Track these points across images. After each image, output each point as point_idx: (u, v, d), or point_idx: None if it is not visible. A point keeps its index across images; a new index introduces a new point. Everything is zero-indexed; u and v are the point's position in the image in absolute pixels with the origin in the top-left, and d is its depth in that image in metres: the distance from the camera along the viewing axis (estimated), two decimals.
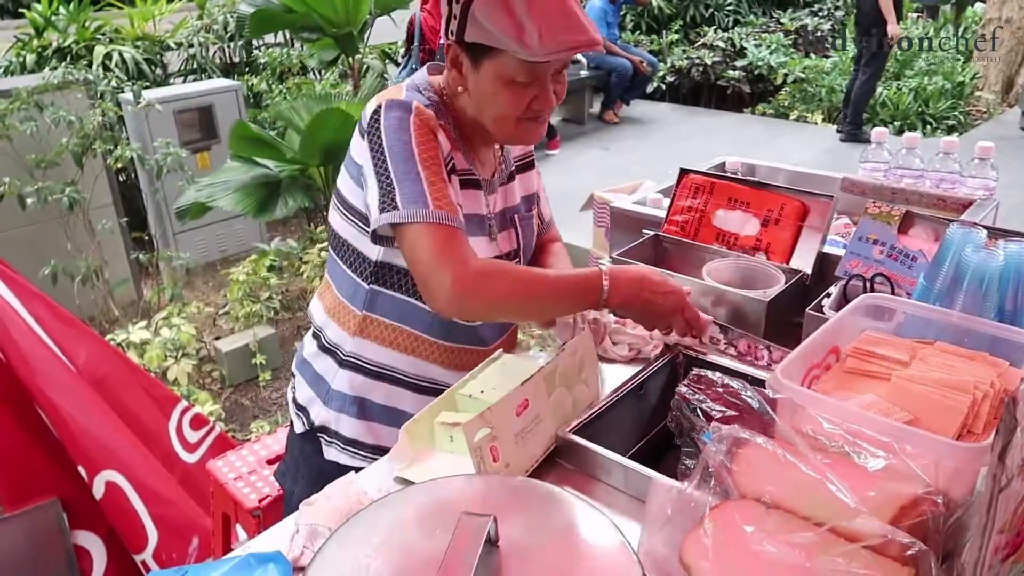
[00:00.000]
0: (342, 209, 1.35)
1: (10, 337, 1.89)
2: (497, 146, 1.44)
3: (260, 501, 1.84)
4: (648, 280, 1.28)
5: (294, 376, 1.53)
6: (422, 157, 1.21)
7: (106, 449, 1.98)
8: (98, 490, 1.96)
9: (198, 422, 2.37)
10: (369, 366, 1.40)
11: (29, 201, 3.42)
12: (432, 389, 1.40)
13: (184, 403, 2.36)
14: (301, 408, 1.49)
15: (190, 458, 2.31)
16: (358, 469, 1.39)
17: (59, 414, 1.92)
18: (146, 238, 4.73)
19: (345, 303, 1.39)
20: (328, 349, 1.43)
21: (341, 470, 1.41)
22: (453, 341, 1.40)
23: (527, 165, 1.54)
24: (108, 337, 3.15)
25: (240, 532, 1.94)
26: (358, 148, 1.27)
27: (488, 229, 1.39)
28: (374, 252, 1.32)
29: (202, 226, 4.62)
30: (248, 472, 1.95)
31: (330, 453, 1.45)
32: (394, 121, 1.22)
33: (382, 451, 1.40)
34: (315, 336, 1.48)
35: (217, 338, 3.87)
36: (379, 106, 1.24)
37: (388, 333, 1.38)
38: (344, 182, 1.34)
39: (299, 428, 1.49)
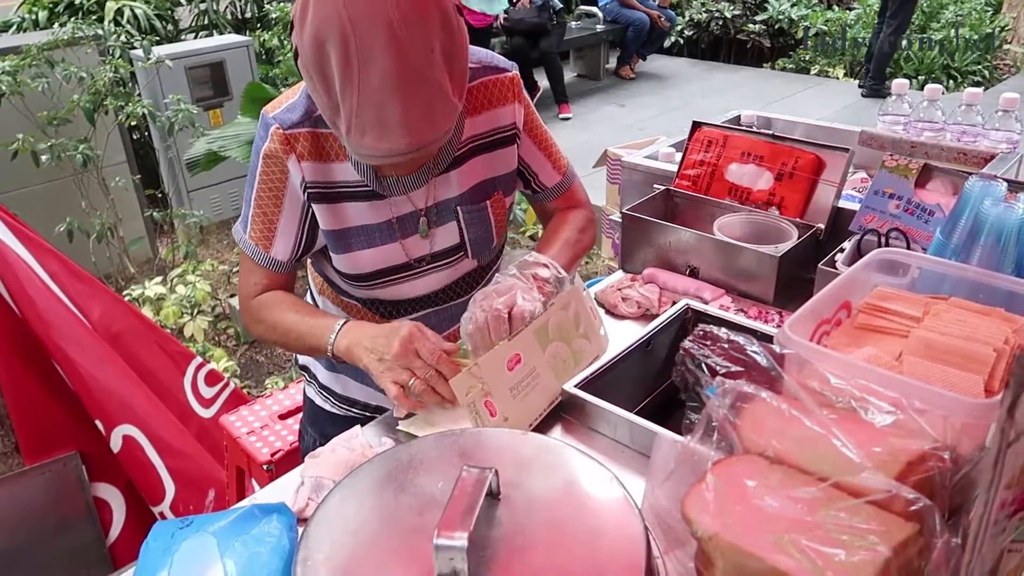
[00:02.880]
0: None
1: (26, 294, 1.92)
2: None
3: (272, 455, 1.87)
4: (373, 338, 1.15)
5: None
6: (259, 188, 1.23)
7: (122, 404, 2.02)
8: (115, 443, 2.00)
9: (213, 378, 2.40)
10: None
11: (43, 158, 3.42)
12: None
13: (199, 359, 2.39)
14: None
15: (205, 413, 2.34)
16: (330, 414, 1.48)
17: (75, 369, 1.95)
18: (160, 195, 4.73)
19: (310, 264, 1.45)
20: (314, 300, 1.49)
21: (315, 410, 1.52)
22: (380, 314, 1.38)
23: (493, 144, 1.30)
24: (124, 293, 3.18)
25: (255, 485, 1.97)
26: None
27: (400, 231, 1.27)
28: None
29: (215, 184, 4.62)
30: (260, 427, 1.97)
31: (310, 391, 1.54)
32: (257, 140, 1.22)
33: (349, 401, 1.48)
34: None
35: (232, 295, 3.89)
36: (262, 114, 1.22)
37: (334, 295, 1.41)
38: None
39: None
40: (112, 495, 2.13)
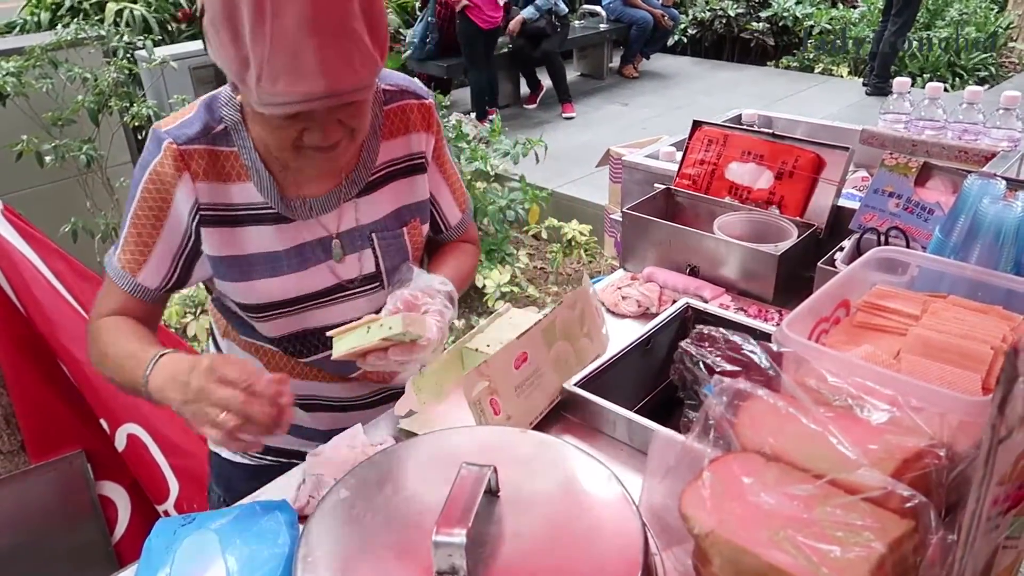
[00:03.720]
0: None
1: (31, 293, 1.93)
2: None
3: None
4: (185, 374, 0.97)
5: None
6: (138, 206, 1.12)
7: (127, 403, 2.02)
8: (120, 442, 2.01)
9: None
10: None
11: (47, 159, 3.44)
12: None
13: None
14: None
15: None
16: (242, 466, 1.37)
17: (80, 368, 1.96)
18: None
19: (211, 305, 1.33)
20: (216, 343, 1.37)
21: (221, 464, 1.40)
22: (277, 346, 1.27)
23: (410, 170, 1.24)
24: None
25: None
26: None
27: (310, 257, 1.18)
28: None
29: None
30: None
31: (214, 444, 1.39)
32: (146, 154, 1.12)
33: (263, 449, 1.30)
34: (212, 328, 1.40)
35: None
36: (152, 130, 1.13)
37: (239, 337, 1.29)
38: None
39: None
40: (117, 493, 2.14)
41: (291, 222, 1.15)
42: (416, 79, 1.26)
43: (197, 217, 1.11)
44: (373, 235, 1.21)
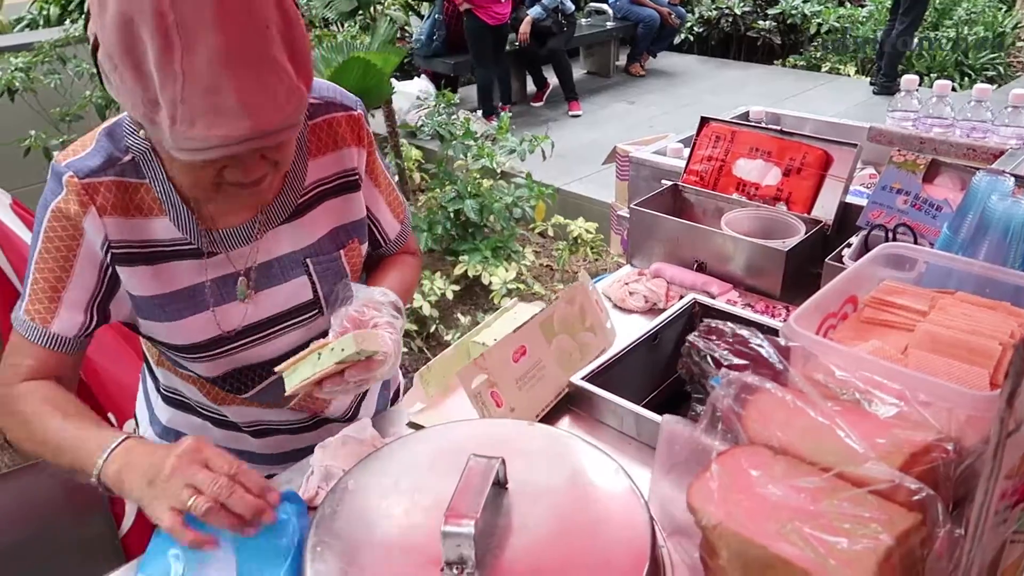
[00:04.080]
0: None
1: None
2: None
3: None
4: (149, 459, 0.89)
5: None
6: (41, 251, 1.01)
7: (134, 396, 2.03)
8: None
9: None
10: (176, 397, 1.27)
11: (55, 154, 3.47)
12: (231, 424, 1.26)
13: None
14: (137, 415, 1.41)
15: None
16: None
17: (89, 363, 1.97)
18: None
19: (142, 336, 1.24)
20: (152, 372, 1.31)
21: None
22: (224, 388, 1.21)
23: (343, 188, 1.16)
24: None
25: None
26: None
27: (217, 295, 1.09)
28: None
29: None
30: None
31: None
32: (47, 193, 1.01)
33: None
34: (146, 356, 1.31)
35: None
36: (51, 165, 1.03)
37: (174, 368, 1.22)
38: None
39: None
40: None
41: (213, 255, 1.07)
42: (342, 88, 1.17)
43: (110, 254, 1.02)
44: (308, 260, 1.14)
